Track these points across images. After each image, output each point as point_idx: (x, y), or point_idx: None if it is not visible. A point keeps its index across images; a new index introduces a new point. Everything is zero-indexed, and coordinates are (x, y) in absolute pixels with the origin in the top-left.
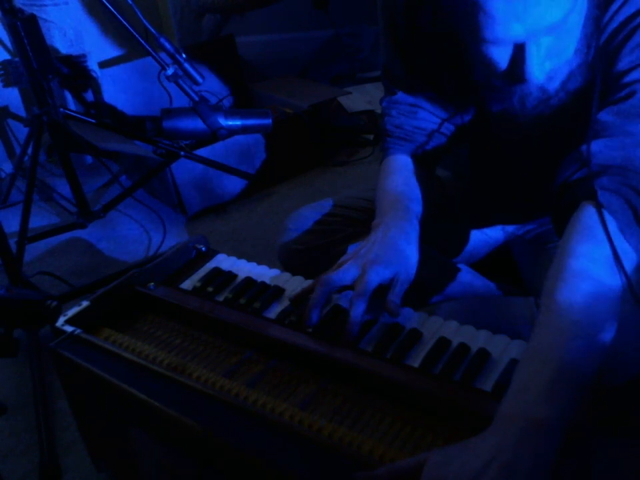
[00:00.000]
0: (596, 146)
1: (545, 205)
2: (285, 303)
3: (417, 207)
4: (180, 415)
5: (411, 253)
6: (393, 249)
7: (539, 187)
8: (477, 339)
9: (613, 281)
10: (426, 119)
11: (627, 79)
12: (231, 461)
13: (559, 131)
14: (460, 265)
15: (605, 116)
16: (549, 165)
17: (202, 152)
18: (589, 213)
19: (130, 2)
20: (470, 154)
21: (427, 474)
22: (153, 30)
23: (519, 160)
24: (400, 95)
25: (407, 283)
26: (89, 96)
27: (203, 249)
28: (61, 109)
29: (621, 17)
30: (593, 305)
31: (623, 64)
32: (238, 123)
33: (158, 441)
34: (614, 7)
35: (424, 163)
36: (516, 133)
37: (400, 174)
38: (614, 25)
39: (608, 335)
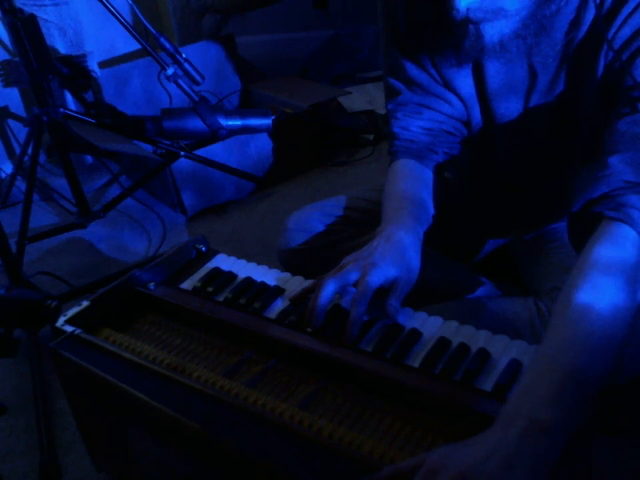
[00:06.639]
0: (619, 160)
1: (546, 212)
2: (285, 302)
3: (422, 214)
4: (180, 415)
5: (413, 258)
6: (395, 253)
7: (538, 197)
8: (477, 339)
9: (632, 297)
10: (432, 118)
11: None
12: (230, 461)
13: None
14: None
15: (624, 127)
16: (547, 173)
17: (202, 152)
18: (615, 230)
19: (130, 2)
20: (469, 164)
21: (427, 465)
22: (153, 30)
23: (517, 164)
24: (405, 95)
25: (407, 288)
26: (89, 96)
27: (203, 249)
28: (61, 109)
29: (636, 24)
30: (610, 318)
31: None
32: (238, 122)
33: (158, 441)
34: (625, 11)
35: (430, 166)
36: (517, 134)
37: (406, 180)
38: (627, 32)
39: (620, 346)
